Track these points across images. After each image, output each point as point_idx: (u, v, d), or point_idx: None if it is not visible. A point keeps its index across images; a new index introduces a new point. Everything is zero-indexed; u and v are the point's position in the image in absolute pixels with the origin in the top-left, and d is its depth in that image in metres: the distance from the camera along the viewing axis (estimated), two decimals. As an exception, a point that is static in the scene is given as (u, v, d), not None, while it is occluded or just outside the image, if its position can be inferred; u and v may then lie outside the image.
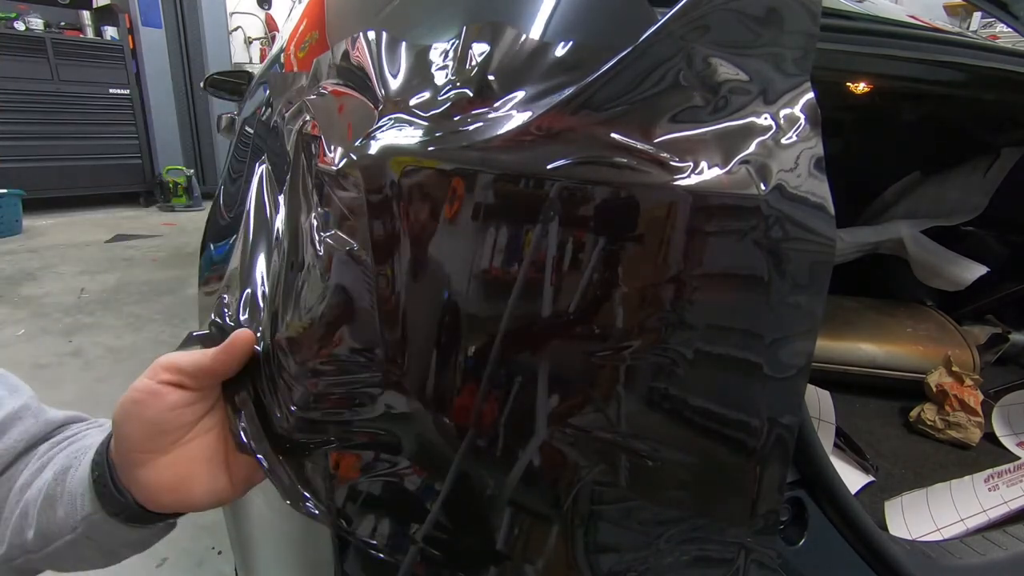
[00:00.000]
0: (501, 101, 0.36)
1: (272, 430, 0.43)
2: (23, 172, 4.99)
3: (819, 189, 0.32)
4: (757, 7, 0.33)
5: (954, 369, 0.91)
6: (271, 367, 0.43)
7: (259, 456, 0.43)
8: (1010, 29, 1.15)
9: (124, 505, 0.43)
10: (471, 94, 0.38)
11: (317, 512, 0.40)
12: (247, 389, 0.45)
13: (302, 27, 0.87)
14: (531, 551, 0.35)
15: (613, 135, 0.32)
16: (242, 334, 0.44)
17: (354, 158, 0.39)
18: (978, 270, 1.12)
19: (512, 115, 0.35)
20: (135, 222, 5.17)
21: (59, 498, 0.46)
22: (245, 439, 0.43)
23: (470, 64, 0.39)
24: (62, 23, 5.28)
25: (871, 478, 0.73)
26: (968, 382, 0.89)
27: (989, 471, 0.68)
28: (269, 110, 0.89)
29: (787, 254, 0.31)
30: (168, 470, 0.42)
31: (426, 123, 0.38)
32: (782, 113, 0.32)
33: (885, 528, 0.62)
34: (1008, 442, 0.86)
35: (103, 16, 5.45)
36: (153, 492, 0.43)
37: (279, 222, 0.54)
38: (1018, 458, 0.82)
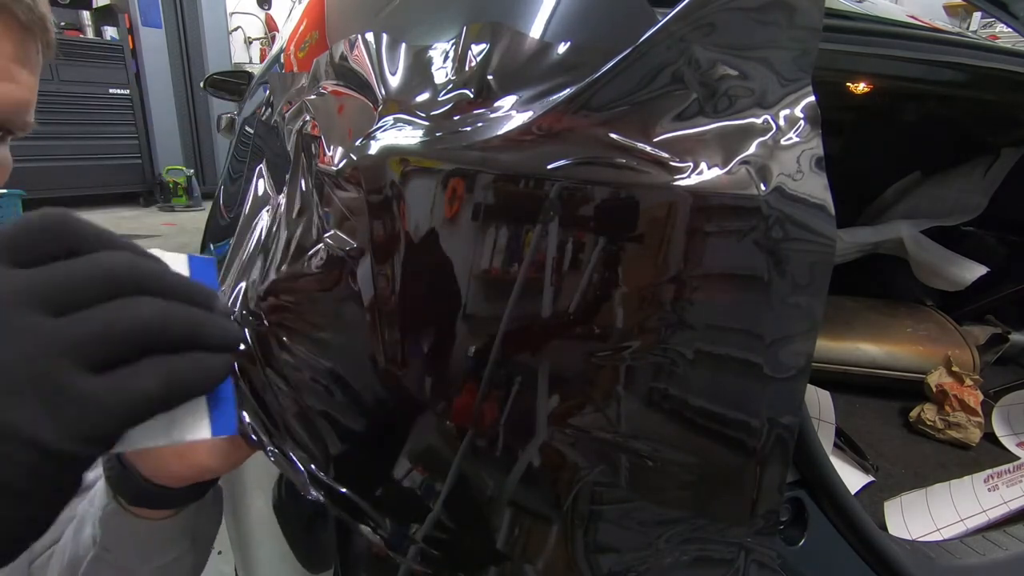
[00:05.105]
0: (501, 101, 0.36)
1: (275, 422, 0.43)
2: (23, 172, 4.97)
3: (819, 189, 0.32)
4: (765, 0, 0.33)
5: (954, 369, 0.91)
6: (271, 365, 0.43)
7: (268, 449, 0.43)
8: (1010, 29, 1.15)
9: (135, 485, 0.44)
10: (471, 94, 0.38)
11: (320, 497, 0.40)
12: (247, 383, 0.45)
13: (302, 27, 0.87)
14: (531, 551, 0.35)
15: (613, 135, 0.32)
16: None
17: (354, 158, 0.39)
18: (978, 270, 1.12)
19: (512, 115, 0.35)
20: (135, 222, 5.17)
21: (87, 516, 0.48)
22: (252, 434, 0.43)
23: (470, 64, 0.39)
24: (62, 23, 5.27)
25: (871, 478, 0.73)
26: (968, 382, 0.89)
27: (989, 471, 0.67)
28: (269, 110, 0.89)
29: (787, 254, 0.31)
30: None
31: (426, 123, 0.38)
32: (782, 114, 0.32)
33: (885, 528, 0.62)
34: (1008, 442, 0.86)
35: (103, 16, 5.46)
36: (160, 461, 0.44)
37: (278, 222, 0.53)
38: (1018, 458, 0.82)
